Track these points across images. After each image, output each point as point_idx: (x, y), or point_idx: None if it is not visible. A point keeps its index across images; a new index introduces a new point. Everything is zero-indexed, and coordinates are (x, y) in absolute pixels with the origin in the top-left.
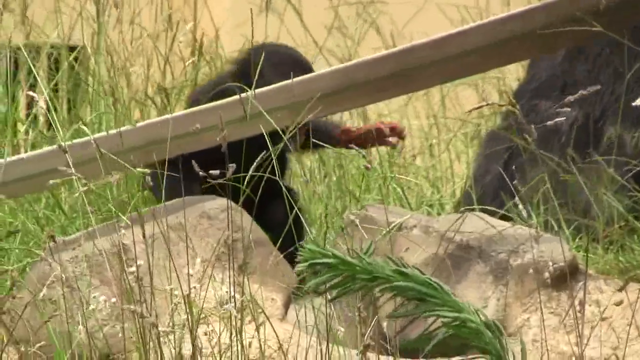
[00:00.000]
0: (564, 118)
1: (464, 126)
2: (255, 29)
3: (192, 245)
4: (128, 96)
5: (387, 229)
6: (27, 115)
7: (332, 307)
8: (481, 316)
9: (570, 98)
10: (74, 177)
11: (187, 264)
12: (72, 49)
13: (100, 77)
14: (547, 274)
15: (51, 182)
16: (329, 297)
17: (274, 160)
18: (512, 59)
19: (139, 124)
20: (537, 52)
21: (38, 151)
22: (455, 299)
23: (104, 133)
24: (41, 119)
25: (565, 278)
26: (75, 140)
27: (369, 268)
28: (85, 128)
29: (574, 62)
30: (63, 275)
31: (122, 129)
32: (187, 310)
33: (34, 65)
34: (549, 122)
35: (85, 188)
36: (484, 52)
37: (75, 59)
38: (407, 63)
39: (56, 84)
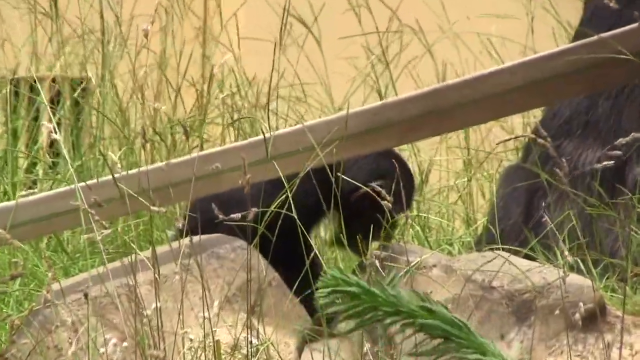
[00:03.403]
0: (612, 162)
1: (488, 160)
2: (269, 57)
3: (199, 287)
4: (134, 132)
5: (406, 268)
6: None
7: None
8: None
9: (622, 140)
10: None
11: (203, 307)
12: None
13: (105, 109)
14: (577, 315)
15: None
16: (346, 327)
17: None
18: (555, 98)
19: (160, 164)
20: (582, 91)
21: (50, 192)
22: (481, 340)
23: (123, 172)
24: (47, 155)
25: (592, 319)
26: (90, 181)
27: (393, 300)
28: (114, 165)
29: (596, 98)
30: (69, 319)
31: (143, 168)
32: (214, 355)
33: (34, 98)
34: (598, 165)
35: (108, 231)
36: (526, 90)
37: (81, 90)
38: (441, 102)
39: (59, 119)
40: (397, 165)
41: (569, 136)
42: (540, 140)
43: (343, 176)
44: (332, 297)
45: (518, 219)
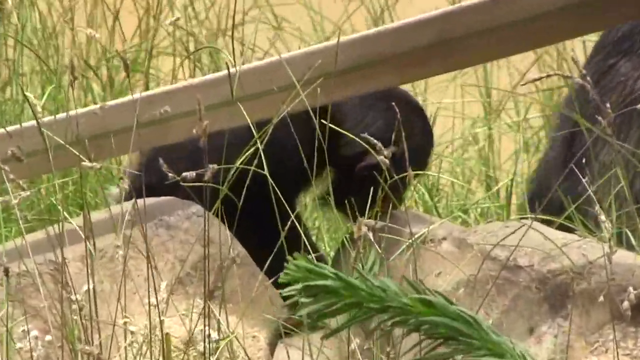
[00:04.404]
0: None
1: (513, 104)
2: None
3: (145, 265)
4: (62, 66)
5: (408, 241)
6: None
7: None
8: None
9: None
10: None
11: (149, 290)
12: None
13: (24, 36)
14: (626, 303)
15: None
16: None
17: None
18: (610, 21)
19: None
20: (633, 14)
21: None
22: (497, 338)
23: (47, 117)
24: None
25: None
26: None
27: (380, 294)
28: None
29: None
30: None
31: (72, 112)
32: (162, 351)
33: None
34: None
35: (27, 193)
36: (568, 13)
37: None
38: (453, 29)
39: None
40: (414, 120)
41: (627, 54)
42: (577, 80)
43: (343, 131)
44: (302, 294)
45: (551, 176)
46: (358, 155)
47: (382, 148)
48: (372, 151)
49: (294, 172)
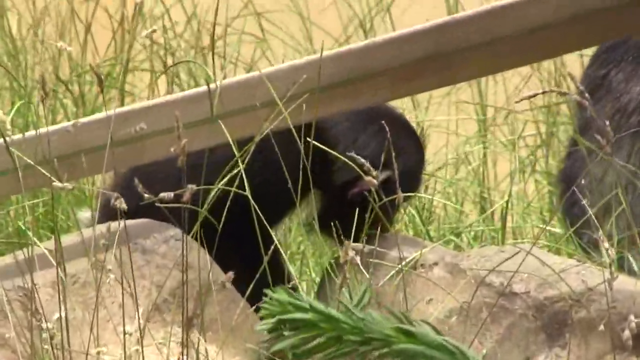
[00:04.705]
0: None
1: (509, 121)
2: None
3: (118, 291)
4: (32, 81)
5: (398, 267)
6: None
7: None
8: None
9: None
10: None
11: (124, 317)
12: None
13: None
14: (627, 332)
15: None
16: None
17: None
18: (605, 36)
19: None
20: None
21: None
22: None
23: (19, 135)
24: None
25: None
26: None
27: (361, 326)
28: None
29: None
30: None
31: (43, 130)
32: None
33: None
34: None
35: None
36: (564, 27)
37: None
38: (448, 42)
39: None
40: (406, 142)
41: (618, 64)
42: (575, 97)
43: (337, 154)
44: (279, 328)
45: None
46: (351, 180)
47: (372, 170)
48: (365, 177)
49: (277, 195)
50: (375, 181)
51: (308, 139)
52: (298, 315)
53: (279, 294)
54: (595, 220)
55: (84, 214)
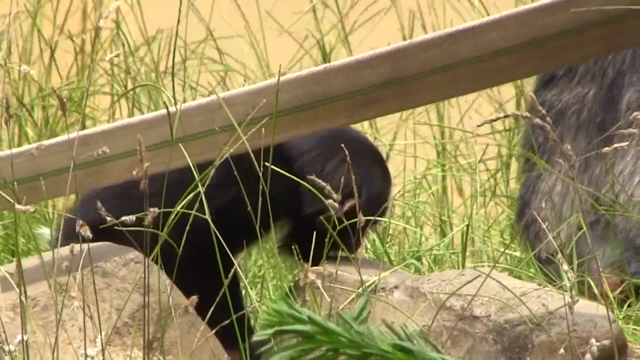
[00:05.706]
0: (626, 143)
1: (468, 145)
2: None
3: (79, 314)
4: None
5: (357, 290)
6: None
7: None
8: None
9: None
10: None
11: (85, 340)
12: None
13: None
14: (588, 356)
15: None
16: None
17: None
18: (558, 62)
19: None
20: (594, 52)
21: None
22: None
23: None
24: None
25: None
26: None
27: (359, 340)
28: None
29: None
30: None
31: (5, 153)
32: None
33: None
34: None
35: None
36: (519, 52)
37: None
38: (406, 67)
39: None
40: (373, 168)
41: (550, 81)
42: (536, 120)
43: (303, 183)
44: (275, 339)
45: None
46: (319, 211)
47: (337, 198)
48: (331, 205)
49: (238, 222)
50: (339, 209)
51: (274, 167)
52: (297, 327)
53: (278, 305)
54: (554, 243)
55: (43, 230)
